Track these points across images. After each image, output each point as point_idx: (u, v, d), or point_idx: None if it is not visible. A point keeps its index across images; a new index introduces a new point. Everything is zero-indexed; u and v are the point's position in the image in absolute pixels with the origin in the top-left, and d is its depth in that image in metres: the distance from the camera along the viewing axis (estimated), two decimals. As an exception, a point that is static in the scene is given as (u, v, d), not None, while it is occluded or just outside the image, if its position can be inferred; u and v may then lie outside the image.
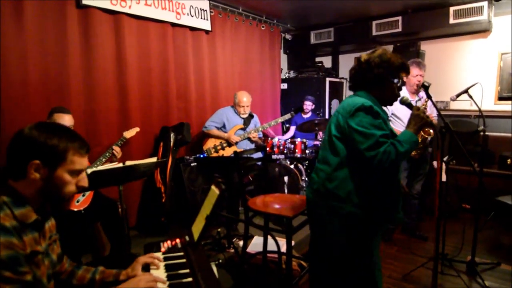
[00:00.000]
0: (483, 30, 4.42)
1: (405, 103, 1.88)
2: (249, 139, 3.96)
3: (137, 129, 3.18)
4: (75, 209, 2.56)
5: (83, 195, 2.62)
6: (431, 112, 3.20)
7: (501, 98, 4.47)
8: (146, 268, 1.41)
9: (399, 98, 1.85)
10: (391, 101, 1.82)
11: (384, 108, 3.35)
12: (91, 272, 1.37)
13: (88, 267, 1.39)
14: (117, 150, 2.89)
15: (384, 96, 1.78)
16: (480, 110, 2.81)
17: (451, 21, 4.38)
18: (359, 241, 1.72)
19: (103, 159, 2.85)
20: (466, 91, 2.87)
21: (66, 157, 1.10)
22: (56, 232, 1.28)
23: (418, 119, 1.71)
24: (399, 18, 4.74)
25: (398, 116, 3.20)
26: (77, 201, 2.58)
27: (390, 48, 4.87)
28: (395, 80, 1.76)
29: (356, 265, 1.75)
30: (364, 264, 1.76)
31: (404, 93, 3.23)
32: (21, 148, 1.08)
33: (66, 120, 2.56)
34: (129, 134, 3.09)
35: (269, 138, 4.38)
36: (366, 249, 1.75)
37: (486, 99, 4.25)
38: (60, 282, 1.32)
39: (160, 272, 1.40)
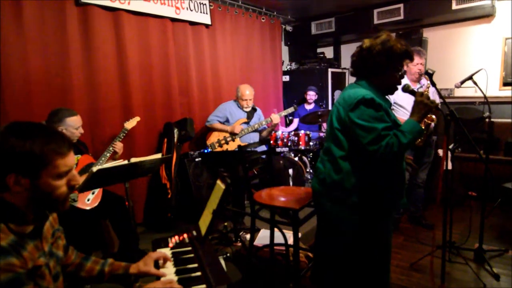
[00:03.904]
0: (486, 15, 4.36)
1: (408, 90, 1.82)
2: (256, 131, 3.94)
3: (138, 118, 3.16)
4: (87, 208, 2.57)
5: (93, 193, 2.63)
6: (434, 98, 3.17)
7: (506, 84, 4.42)
8: (157, 264, 1.41)
9: (401, 86, 1.80)
10: (392, 89, 1.77)
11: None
12: (100, 264, 1.34)
13: (97, 259, 1.36)
14: (118, 146, 2.87)
15: (386, 85, 1.73)
16: (485, 97, 2.78)
17: (454, 6, 4.32)
18: (368, 230, 1.71)
19: (107, 154, 2.84)
20: (470, 78, 2.84)
21: (46, 162, 0.97)
22: (59, 225, 1.22)
23: (422, 105, 1.64)
24: (401, 5, 4.68)
25: (401, 104, 3.18)
26: (88, 200, 2.60)
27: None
28: (398, 69, 1.70)
29: (364, 256, 1.74)
30: (373, 255, 1.75)
31: (405, 81, 3.20)
32: None
33: (77, 121, 2.57)
34: (130, 124, 3.07)
35: (273, 131, 4.37)
36: (375, 239, 1.74)
37: (491, 85, 4.20)
38: (67, 275, 1.28)
39: (169, 267, 1.41)
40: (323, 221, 1.89)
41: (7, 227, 0.96)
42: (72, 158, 1.05)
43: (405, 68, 3.37)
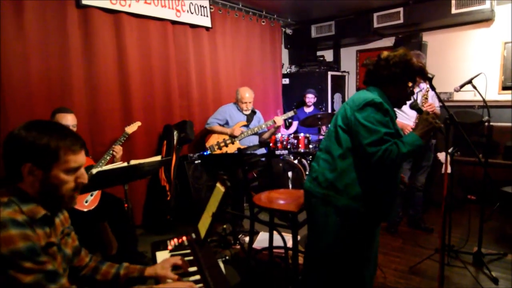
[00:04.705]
0: (485, 19, 4.38)
1: (415, 108, 1.85)
2: (256, 134, 3.95)
3: (139, 123, 3.18)
4: (85, 209, 2.57)
5: (91, 195, 2.63)
6: (433, 102, 3.18)
7: (505, 88, 4.43)
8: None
9: (409, 103, 1.83)
10: (401, 102, 1.81)
11: None
12: (116, 267, 1.36)
13: (112, 263, 1.38)
14: (116, 149, 2.87)
15: (395, 97, 1.77)
16: (484, 101, 2.79)
17: (453, 11, 4.34)
18: (351, 235, 1.72)
19: (107, 157, 2.84)
20: (470, 82, 2.85)
21: (58, 156, 1.06)
22: (70, 225, 1.27)
23: (426, 123, 1.66)
24: (401, 9, 4.70)
25: (401, 110, 3.18)
26: (86, 201, 2.60)
27: (392, 40, 4.83)
28: (410, 83, 1.74)
29: (344, 258, 1.75)
30: (352, 258, 1.76)
31: None
32: (11, 151, 1.05)
33: (69, 119, 2.57)
34: (131, 129, 3.09)
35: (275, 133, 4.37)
36: (357, 243, 1.74)
37: (490, 89, 4.21)
38: (82, 278, 1.31)
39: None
40: (311, 220, 1.89)
41: (20, 209, 1.03)
42: (82, 157, 1.14)
43: None
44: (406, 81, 1.73)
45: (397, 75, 1.71)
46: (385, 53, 1.76)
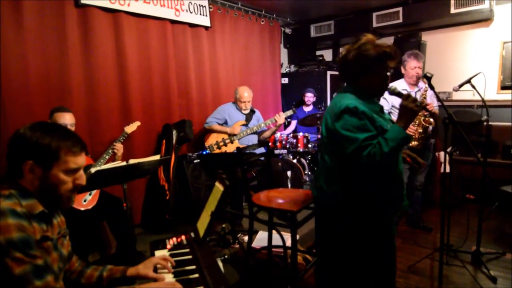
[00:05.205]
0: (484, 19, 4.39)
1: (394, 92, 1.77)
2: (255, 133, 3.95)
3: (138, 123, 3.18)
4: (82, 209, 2.57)
5: (90, 194, 2.63)
6: (432, 102, 3.18)
7: (503, 87, 4.44)
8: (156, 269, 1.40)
9: (387, 88, 1.75)
10: (379, 92, 1.76)
11: (384, 99, 3.26)
12: (99, 270, 1.37)
13: (96, 266, 1.39)
14: (117, 147, 2.87)
15: (371, 88, 1.70)
16: (483, 100, 2.79)
17: (452, 10, 4.34)
18: (365, 233, 1.71)
19: (106, 156, 2.85)
20: (468, 81, 2.85)
21: (59, 156, 1.11)
22: (66, 228, 1.29)
23: (406, 110, 1.59)
24: (400, 9, 4.70)
25: (398, 107, 3.18)
26: (84, 201, 2.59)
27: (391, 39, 4.83)
28: (380, 71, 1.66)
29: (361, 259, 1.74)
30: (367, 258, 1.75)
31: (403, 85, 3.21)
32: (15, 148, 1.11)
33: (67, 118, 2.56)
34: (130, 128, 3.09)
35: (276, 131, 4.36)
36: (372, 239, 1.73)
37: (489, 89, 4.22)
38: (69, 282, 1.32)
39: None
40: (323, 227, 1.88)
41: (19, 203, 1.07)
42: (82, 159, 1.18)
43: (403, 71, 3.36)
44: (372, 70, 1.65)
45: (360, 69, 1.65)
46: (344, 49, 1.71)
